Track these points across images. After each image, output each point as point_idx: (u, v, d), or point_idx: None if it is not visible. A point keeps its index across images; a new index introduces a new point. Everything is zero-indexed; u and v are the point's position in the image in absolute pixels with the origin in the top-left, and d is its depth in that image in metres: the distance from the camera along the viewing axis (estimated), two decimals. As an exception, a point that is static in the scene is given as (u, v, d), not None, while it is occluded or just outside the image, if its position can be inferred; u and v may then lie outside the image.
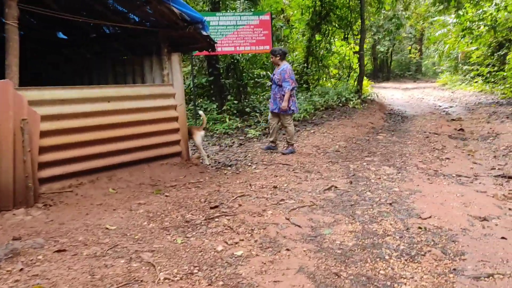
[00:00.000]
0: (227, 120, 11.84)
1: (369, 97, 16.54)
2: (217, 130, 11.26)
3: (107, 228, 4.11)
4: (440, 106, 17.41)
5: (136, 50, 7.30)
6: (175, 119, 6.70)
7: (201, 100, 13.58)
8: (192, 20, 6.31)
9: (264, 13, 12.12)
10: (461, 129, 11.13)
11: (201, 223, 4.25)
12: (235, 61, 13.53)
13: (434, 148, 8.42)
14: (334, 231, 4.17)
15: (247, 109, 13.28)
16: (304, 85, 17.13)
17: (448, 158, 7.51)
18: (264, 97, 14.63)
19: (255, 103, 14.01)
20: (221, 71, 13.70)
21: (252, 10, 13.42)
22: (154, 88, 6.47)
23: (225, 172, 6.62)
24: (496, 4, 16.89)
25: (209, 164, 7.19)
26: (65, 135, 5.26)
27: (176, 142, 6.72)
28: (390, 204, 4.95)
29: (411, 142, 9.01)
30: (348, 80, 17.63)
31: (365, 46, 18.02)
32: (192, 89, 12.49)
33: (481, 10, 17.55)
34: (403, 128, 11.06)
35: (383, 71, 42.00)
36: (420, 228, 4.27)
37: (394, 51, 41.29)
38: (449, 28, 26.08)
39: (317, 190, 5.45)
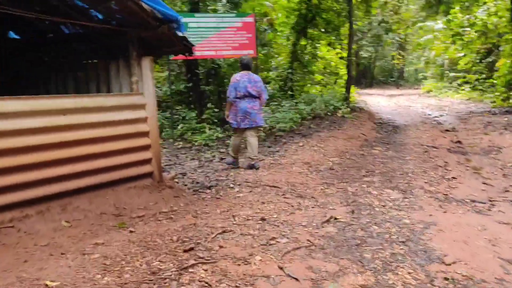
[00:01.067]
0: (207, 130, 10.90)
1: (357, 105, 15.76)
2: (196, 141, 10.31)
3: (46, 286, 3.13)
4: (429, 114, 16.74)
5: (101, 53, 6.32)
6: (146, 134, 5.74)
7: (179, 107, 12.59)
8: (165, 19, 5.37)
9: (248, 15, 11.24)
10: (459, 142, 10.38)
11: (171, 275, 3.30)
12: (216, 66, 12.62)
13: (436, 165, 7.62)
14: (340, 284, 3.28)
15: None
16: (288, 92, 16.29)
17: (454, 178, 6.70)
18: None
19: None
20: (201, 77, 12.76)
21: (235, 12, 12.54)
22: (120, 98, 5.50)
23: (204, 196, 5.68)
24: (486, 9, 16.32)
25: (186, 186, 6.23)
26: (7, 156, 4.25)
27: (147, 161, 5.75)
28: (404, 242, 4.08)
29: (410, 157, 8.20)
30: (334, 87, 16.85)
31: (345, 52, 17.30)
32: (169, 96, 11.52)
33: (471, 16, 16.97)
34: (398, 140, 10.26)
35: (366, 77, 41.53)
36: (446, 279, 3.40)
37: (377, 57, 40.90)
38: (435, 34, 25.63)
39: (313, 223, 4.55)
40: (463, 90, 22.52)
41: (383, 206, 5.17)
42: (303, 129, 10.76)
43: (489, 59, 20.28)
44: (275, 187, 5.95)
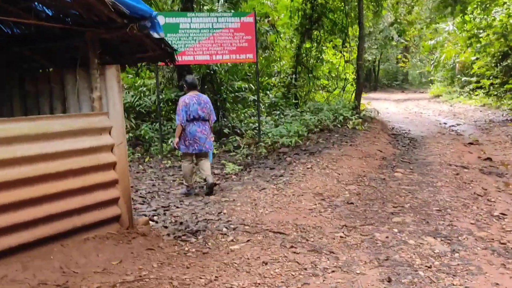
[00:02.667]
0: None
1: (367, 114, 14.38)
2: (187, 159, 8.95)
3: None
4: (445, 123, 15.37)
5: (56, 59, 4.97)
6: (111, 166, 4.37)
7: (170, 118, 11.22)
8: (134, 15, 4.02)
9: (247, 15, 9.88)
10: (489, 159, 9.02)
11: None
12: (212, 72, 11.26)
13: (475, 193, 6.25)
14: None
15: (226, 130, 11.02)
16: (292, 99, 14.95)
17: (504, 214, 5.33)
18: (246, 114, 12.36)
19: (235, 122, 11.75)
20: (195, 84, 11.40)
21: (232, 11, 11.17)
22: (74, 120, 4.13)
23: (187, 248, 4.30)
24: (506, 9, 14.96)
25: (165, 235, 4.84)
26: None
27: (113, 202, 4.38)
28: None
29: (441, 182, 6.82)
30: (342, 94, 15.46)
31: (353, 55, 15.94)
32: (157, 106, 10.17)
33: (487, 17, 15.61)
34: (420, 158, 8.88)
35: (370, 80, 40.15)
36: None
37: (381, 60, 39.57)
38: (445, 37, 24.29)
39: (338, 303, 3.18)
40: (476, 95, 21.13)
41: (428, 267, 3.79)
42: (310, 145, 9.38)
43: (506, 63, 18.88)
44: (280, 233, 4.58)
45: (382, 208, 5.53)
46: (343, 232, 4.63)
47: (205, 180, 6.59)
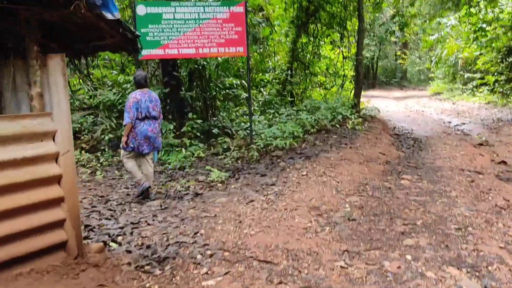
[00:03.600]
0: (183, 150, 8.66)
1: (367, 113, 13.51)
2: (169, 163, 8.08)
3: None
4: (449, 122, 14.52)
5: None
6: (55, 179, 3.49)
7: None
8: (78, -11, 3.13)
9: (237, 3, 8.99)
10: (503, 162, 8.18)
11: None
12: (200, 67, 10.37)
13: (496, 205, 5.39)
14: None
15: (215, 131, 10.13)
16: (288, 97, 14.07)
17: (534, 233, 4.47)
18: (238, 113, 11.48)
19: (226, 122, 10.87)
20: (183, 80, 10.52)
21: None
22: (6, 123, 3.25)
23: (149, 285, 3.42)
24: (514, 1, 14.10)
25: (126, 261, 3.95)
26: None
27: (56, 225, 3.50)
28: None
29: (455, 192, 5.96)
30: (341, 92, 14.57)
31: (351, 50, 15.06)
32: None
33: (495, 9, 14.73)
34: (427, 162, 8.01)
35: (368, 78, 39.26)
36: None
37: (379, 57, 38.69)
38: (447, 32, 23.45)
39: None
40: (480, 92, 20.28)
41: (456, 314, 2.92)
42: (306, 148, 8.51)
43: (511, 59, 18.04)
44: (267, 262, 3.70)
45: (390, 226, 4.65)
46: (344, 261, 3.75)
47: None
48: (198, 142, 9.38)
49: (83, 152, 8.70)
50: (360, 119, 11.32)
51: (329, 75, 17.38)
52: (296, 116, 11.25)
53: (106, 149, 9.01)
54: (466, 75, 22.25)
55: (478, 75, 20.86)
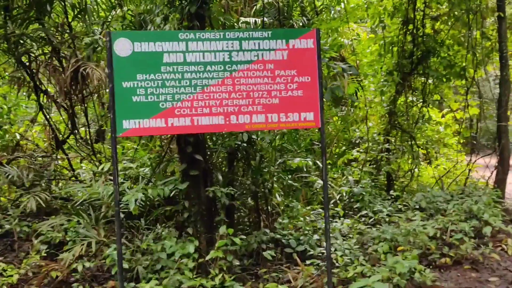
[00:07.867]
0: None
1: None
2: None
3: None
4: None
5: None
6: None
7: (161, 231, 5.98)
8: None
9: (303, 33, 4.89)
10: None
11: None
12: (245, 143, 6.25)
13: None
14: None
15: (269, 253, 5.70)
16: (383, 180, 9.55)
17: None
18: (307, 218, 7.01)
19: (287, 233, 6.46)
20: (213, 166, 6.43)
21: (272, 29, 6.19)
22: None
23: None
24: None
25: None
26: None
27: None
28: None
29: None
30: (469, 174, 9.62)
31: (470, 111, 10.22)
32: (116, 212, 5.25)
33: None
34: None
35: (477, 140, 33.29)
36: None
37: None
38: None
39: None
40: None
41: None
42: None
43: None
44: None
45: None
46: None
47: None
48: (242, 284, 5.08)
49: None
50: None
51: (430, 146, 12.49)
52: (403, 222, 6.66)
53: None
54: None
55: None
